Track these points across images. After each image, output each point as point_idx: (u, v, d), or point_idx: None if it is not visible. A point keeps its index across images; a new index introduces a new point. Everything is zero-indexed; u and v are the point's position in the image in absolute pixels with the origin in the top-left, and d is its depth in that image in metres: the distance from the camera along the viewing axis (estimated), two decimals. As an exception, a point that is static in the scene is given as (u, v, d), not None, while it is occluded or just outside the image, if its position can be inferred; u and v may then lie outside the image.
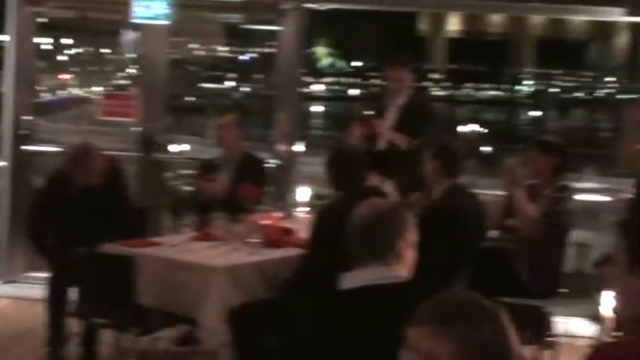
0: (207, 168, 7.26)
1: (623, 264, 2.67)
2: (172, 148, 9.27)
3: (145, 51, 8.81)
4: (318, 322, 3.10)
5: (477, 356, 2.07)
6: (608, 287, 2.77)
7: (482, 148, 18.50)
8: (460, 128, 23.96)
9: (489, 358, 2.08)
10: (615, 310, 2.80)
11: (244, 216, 6.15)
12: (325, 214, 5.27)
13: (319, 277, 3.38)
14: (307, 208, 6.78)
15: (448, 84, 60.11)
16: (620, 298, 2.75)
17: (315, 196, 7.05)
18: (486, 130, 26.82)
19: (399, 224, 3.29)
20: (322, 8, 8.71)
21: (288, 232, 6.11)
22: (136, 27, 8.94)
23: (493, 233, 6.26)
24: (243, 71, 56.33)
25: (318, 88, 57.71)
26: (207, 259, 5.58)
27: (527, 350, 3.16)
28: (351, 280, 3.16)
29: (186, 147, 12.54)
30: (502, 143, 20.16)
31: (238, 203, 6.43)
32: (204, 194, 6.97)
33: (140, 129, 8.53)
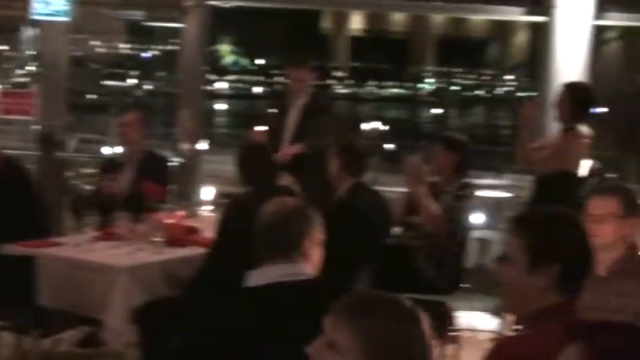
0: (108, 166, 7.16)
1: (522, 263, 2.71)
2: (73, 146, 9.13)
3: (44, 48, 8.67)
4: (224, 321, 3.09)
5: (385, 350, 2.09)
6: (504, 286, 2.80)
7: (385, 146, 18.68)
8: (363, 126, 24.12)
9: (397, 355, 2.10)
10: (506, 310, 2.84)
11: (147, 215, 6.08)
12: (233, 211, 5.26)
13: (226, 275, 3.37)
14: (211, 207, 6.74)
15: (351, 82, 60.46)
16: (515, 297, 2.78)
17: (220, 195, 7.02)
18: (389, 128, 27.07)
19: (305, 223, 3.31)
20: (225, 5, 8.68)
21: (192, 230, 6.07)
22: (36, 24, 8.80)
23: (396, 230, 6.31)
24: (146, 69, 55.86)
25: (221, 86, 57.46)
26: (111, 259, 5.51)
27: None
28: (258, 277, 3.17)
29: (87, 145, 12.36)
30: (405, 140, 20.39)
31: (141, 202, 6.36)
32: (106, 193, 6.87)
33: (40, 127, 8.38)
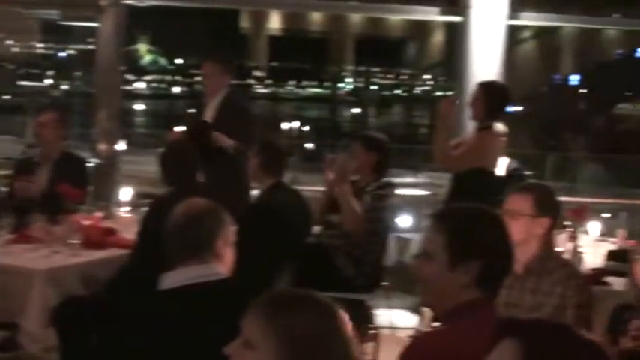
0: (23, 168, 7.04)
1: (442, 260, 2.73)
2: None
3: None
4: (140, 323, 3.07)
5: (301, 346, 2.09)
6: (424, 283, 2.82)
7: (305, 145, 18.71)
8: (283, 125, 24.14)
9: (314, 351, 2.10)
10: (426, 305, 2.87)
11: (64, 217, 6.00)
12: (154, 212, 5.23)
13: (143, 276, 3.35)
14: (130, 208, 6.68)
15: (271, 82, 60.39)
16: (435, 293, 2.81)
17: (138, 196, 6.96)
18: (309, 127, 27.13)
19: (217, 223, 3.31)
20: (141, 5, 8.61)
21: (110, 232, 6.00)
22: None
23: (316, 229, 6.33)
24: (63, 68, 55.08)
25: (140, 85, 56.93)
26: (27, 262, 5.42)
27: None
28: (172, 279, 3.15)
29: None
30: (324, 140, 20.46)
31: (58, 204, 6.27)
32: (20, 195, 6.76)
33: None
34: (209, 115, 7.29)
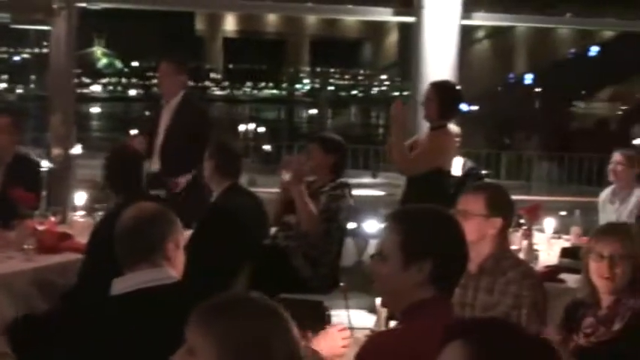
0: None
1: (397, 259, 2.75)
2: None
3: None
4: (92, 331, 3.04)
5: (243, 351, 2.07)
6: (379, 283, 2.84)
7: (262, 147, 18.68)
8: (240, 127, 24.08)
9: (256, 354, 2.08)
10: (383, 305, 2.88)
11: (18, 222, 5.95)
12: (105, 218, 5.19)
13: (95, 284, 3.32)
14: (84, 212, 6.63)
15: (227, 84, 60.23)
16: (391, 293, 2.83)
17: (93, 200, 6.91)
18: (266, 129, 27.08)
19: (167, 226, 3.27)
20: (95, 7, 8.55)
21: (65, 237, 5.96)
22: None
23: (273, 230, 6.33)
24: (17, 72, 54.57)
25: (96, 88, 56.55)
26: (-20, 268, 5.37)
27: (306, 344, 3.21)
28: (123, 284, 3.12)
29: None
30: (281, 141, 20.45)
31: (11, 208, 6.21)
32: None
33: None
34: (166, 117, 7.27)
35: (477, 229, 4.03)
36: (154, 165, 7.24)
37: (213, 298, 2.18)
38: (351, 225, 6.67)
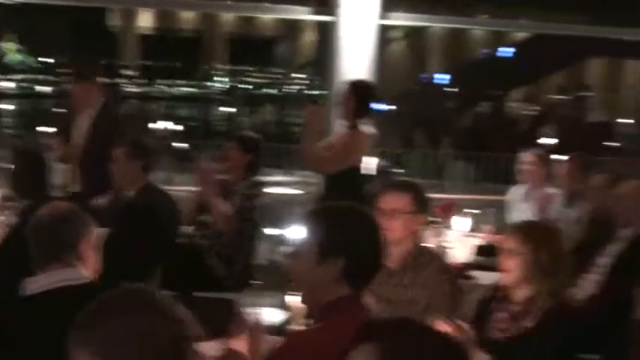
0: None
1: (311, 256, 2.76)
2: None
3: None
4: (3, 331, 2.98)
5: (125, 351, 2.02)
6: (296, 280, 2.85)
7: (176, 145, 18.53)
8: (154, 125, 23.84)
9: (140, 348, 2.03)
10: (303, 302, 2.89)
11: None
12: (18, 220, 5.10)
13: (5, 285, 3.25)
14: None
15: (141, 81, 59.70)
16: (307, 290, 2.83)
17: (4, 198, 6.78)
18: (181, 127, 26.87)
19: (80, 226, 3.25)
20: (8, 2, 8.39)
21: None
22: None
23: (187, 229, 6.29)
24: None
25: (7, 85, 55.54)
26: None
27: (220, 342, 3.20)
28: (35, 284, 3.08)
29: None
30: (197, 139, 20.31)
31: None
32: None
33: None
34: (85, 123, 6.98)
35: (404, 226, 4.09)
36: (74, 185, 6.97)
37: (94, 302, 2.10)
38: (265, 223, 6.67)
